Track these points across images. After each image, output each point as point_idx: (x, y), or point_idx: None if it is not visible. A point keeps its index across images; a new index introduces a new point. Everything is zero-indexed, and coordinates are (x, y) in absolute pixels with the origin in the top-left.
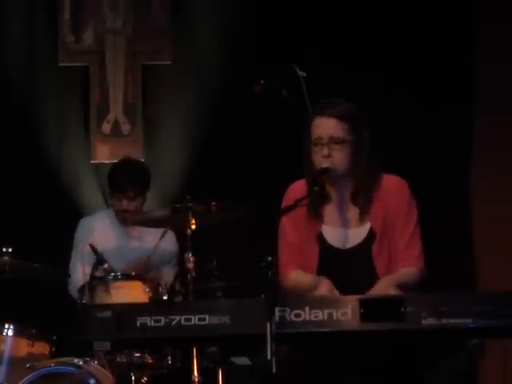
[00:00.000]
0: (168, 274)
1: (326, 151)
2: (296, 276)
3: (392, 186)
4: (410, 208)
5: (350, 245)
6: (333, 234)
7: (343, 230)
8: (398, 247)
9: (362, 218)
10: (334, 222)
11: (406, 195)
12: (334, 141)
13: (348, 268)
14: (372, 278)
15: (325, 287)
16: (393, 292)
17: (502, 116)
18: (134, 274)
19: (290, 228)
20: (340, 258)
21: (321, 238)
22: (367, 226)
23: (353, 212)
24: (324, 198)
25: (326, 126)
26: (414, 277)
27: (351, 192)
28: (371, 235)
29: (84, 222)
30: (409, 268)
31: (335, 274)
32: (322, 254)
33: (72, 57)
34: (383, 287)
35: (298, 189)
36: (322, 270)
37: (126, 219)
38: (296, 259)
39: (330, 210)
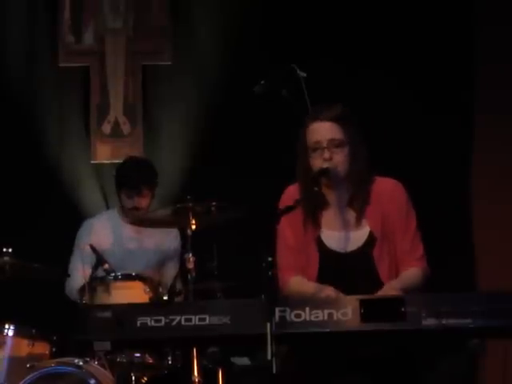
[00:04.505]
0: (171, 270)
1: (327, 154)
2: (297, 283)
3: (388, 189)
4: (409, 210)
5: (350, 249)
6: (332, 237)
7: (342, 234)
8: (401, 249)
9: (359, 221)
10: (333, 226)
11: (403, 198)
12: (333, 144)
13: (349, 272)
14: (374, 282)
15: (329, 292)
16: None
17: (502, 116)
18: (134, 274)
19: (290, 232)
20: (340, 261)
21: (320, 242)
22: (366, 230)
23: (350, 215)
24: (321, 203)
25: (324, 130)
26: (419, 278)
27: (348, 196)
28: (371, 239)
29: (86, 224)
30: (413, 269)
31: (336, 278)
32: (322, 258)
33: (72, 57)
34: (387, 292)
35: (294, 191)
36: (323, 274)
37: (134, 217)
38: (296, 264)
39: (328, 215)
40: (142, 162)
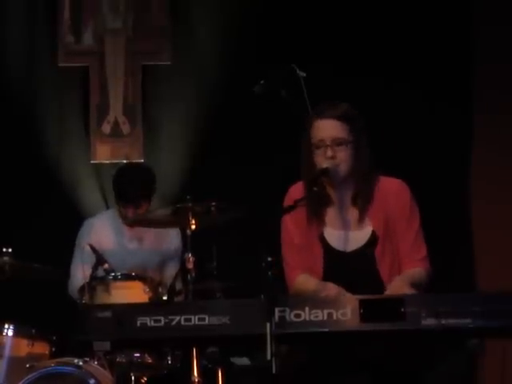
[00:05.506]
0: (171, 269)
1: (330, 153)
2: (302, 281)
3: (393, 189)
4: (412, 211)
5: (352, 248)
6: (334, 236)
7: (344, 233)
8: (402, 250)
9: (362, 220)
10: (336, 225)
11: (407, 198)
12: (337, 142)
13: (351, 271)
14: (375, 282)
15: (331, 291)
16: (407, 291)
17: (501, 116)
18: (134, 274)
19: (295, 230)
20: (343, 260)
21: (323, 240)
22: (369, 229)
23: (353, 214)
24: (324, 201)
25: (328, 128)
26: (423, 277)
27: (352, 194)
28: (374, 238)
29: (87, 223)
30: (417, 269)
31: (340, 276)
32: (326, 256)
33: (72, 57)
34: (398, 286)
35: (298, 190)
36: (328, 272)
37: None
38: (303, 262)
39: (331, 213)
40: (139, 173)
